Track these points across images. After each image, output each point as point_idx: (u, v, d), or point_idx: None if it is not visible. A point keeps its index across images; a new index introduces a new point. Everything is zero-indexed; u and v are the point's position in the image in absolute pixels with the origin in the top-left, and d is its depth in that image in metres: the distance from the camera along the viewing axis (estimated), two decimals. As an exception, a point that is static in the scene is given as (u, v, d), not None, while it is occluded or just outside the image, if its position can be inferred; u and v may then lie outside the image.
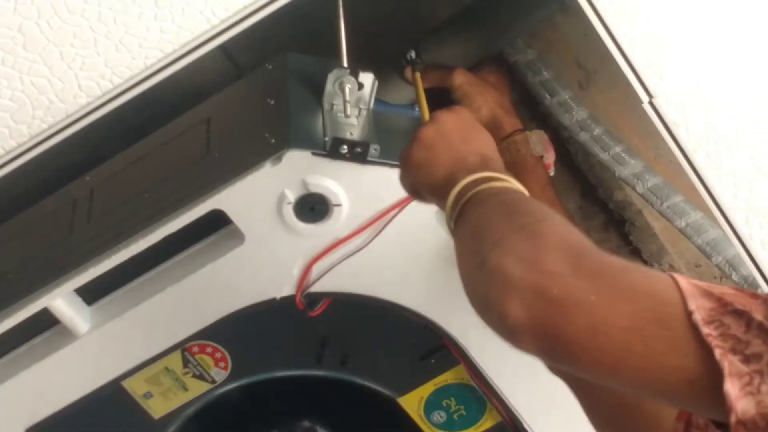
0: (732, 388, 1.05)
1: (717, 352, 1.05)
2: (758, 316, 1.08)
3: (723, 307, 1.09)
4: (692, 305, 1.08)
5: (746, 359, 1.06)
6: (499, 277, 1.14)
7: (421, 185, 1.47)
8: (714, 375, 1.06)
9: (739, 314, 1.08)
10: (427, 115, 1.67)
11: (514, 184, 1.37)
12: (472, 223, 1.31)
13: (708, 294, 1.10)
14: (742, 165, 1.80)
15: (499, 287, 1.14)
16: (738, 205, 1.82)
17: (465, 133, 1.48)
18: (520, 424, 1.91)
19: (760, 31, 1.73)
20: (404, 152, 1.48)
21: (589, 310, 1.10)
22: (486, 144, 1.48)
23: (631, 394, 1.26)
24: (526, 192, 1.37)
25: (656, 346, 1.09)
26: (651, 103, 1.74)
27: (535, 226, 1.20)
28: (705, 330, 1.06)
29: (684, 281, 1.10)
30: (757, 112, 1.78)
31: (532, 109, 1.97)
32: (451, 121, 1.50)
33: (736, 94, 1.77)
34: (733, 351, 1.06)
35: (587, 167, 2.07)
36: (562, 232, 1.20)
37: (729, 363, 1.05)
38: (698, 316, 1.07)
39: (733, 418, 1.05)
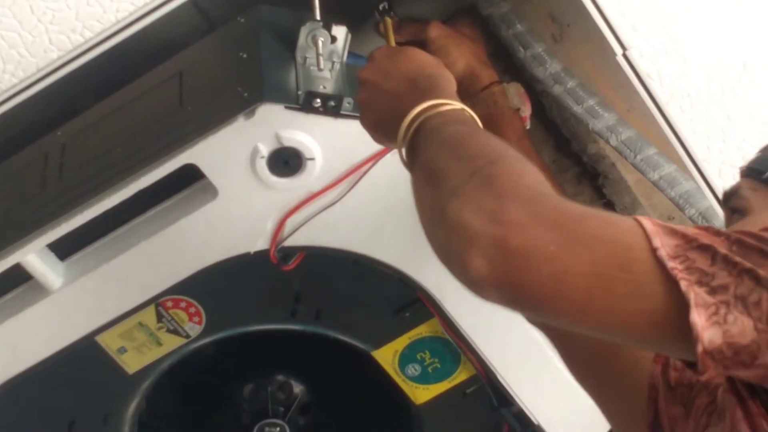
0: (698, 318, 1.06)
1: (683, 284, 1.07)
2: (723, 249, 1.09)
3: (688, 243, 1.10)
4: (657, 242, 1.09)
5: (712, 291, 1.08)
6: (460, 230, 1.15)
7: (372, 128, 1.48)
8: (680, 311, 1.07)
9: (704, 248, 1.10)
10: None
11: (457, 105, 1.37)
12: (423, 165, 1.31)
13: (673, 232, 1.11)
14: (716, 117, 1.82)
15: (460, 240, 1.14)
16: (711, 157, 1.83)
17: (397, 61, 1.48)
18: (494, 376, 1.92)
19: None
20: (355, 99, 1.50)
21: (550, 260, 1.11)
22: (422, 64, 1.48)
23: (599, 338, 1.28)
24: (471, 113, 1.37)
25: (618, 291, 1.10)
26: (624, 56, 1.75)
27: (489, 170, 1.20)
28: (670, 264, 1.08)
29: (648, 222, 1.11)
30: (730, 65, 1.79)
31: (506, 62, 1.97)
32: (379, 54, 1.50)
33: (710, 46, 1.78)
34: (699, 283, 1.08)
35: (561, 120, 2.08)
36: (516, 174, 1.19)
37: (695, 294, 1.07)
38: (663, 252, 1.08)
39: (699, 348, 1.07)
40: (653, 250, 1.09)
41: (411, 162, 1.36)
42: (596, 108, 1.87)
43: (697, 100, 1.80)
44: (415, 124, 1.35)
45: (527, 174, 1.19)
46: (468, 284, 1.16)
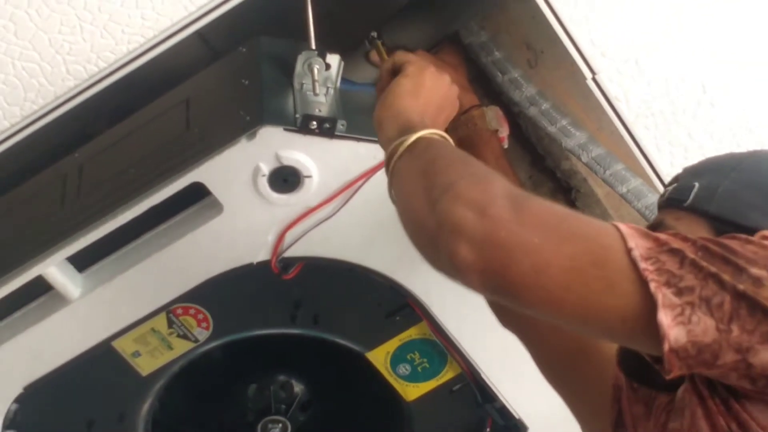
0: (665, 317, 1.07)
1: (652, 286, 1.08)
2: (691, 254, 1.10)
3: (660, 246, 1.11)
4: (632, 244, 1.10)
5: (679, 292, 1.08)
6: (450, 221, 1.16)
7: (387, 115, 1.48)
8: (649, 309, 1.08)
9: (675, 252, 1.10)
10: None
11: (445, 140, 1.39)
12: (422, 161, 1.32)
13: (646, 235, 1.12)
14: (677, 135, 1.82)
15: (449, 229, 1.15)
16: (674, 171, 1.82)
17: (440, 82, 1.51)
18: (479, 374, 1.93)
19: (692, 11, 1.74)
20: (379, 101, 1.51)
21: (533, 253, 1.12)
22: (449, 99, 1.51)
23: (568, 343, 1.28)
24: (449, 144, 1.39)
25: (593, 286, 1.11)
26: (594, 80, 1.75)
27: (483, 175, 1.22)
28: (642, 265, 1.08)
29: (624, 226, 1.12)
30: (691, 88, 1.80)
31: (485, 86, 1.97)
32: (435, 69, 1.53)
33: (672, 71, 1.78)
34: (667, 284, 1.08)
35: (536, 139, 2.09)
36: (503, 180, 1.21)
37: (663, 295, 1.08)
38: (637, 253, 1.09)
39: (666, 346, 1.08)
40: (628, 251, 1.10)
41: (392, 173, 1.38)
42: (568, 127, 1.87)
43: (660, 120, 1.81)
44: (408, 140, 1.36)
45: (505, 181, 1.21)
46: (453, 272, 1.17)
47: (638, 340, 1.14)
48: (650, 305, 1.08)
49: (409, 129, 1.38)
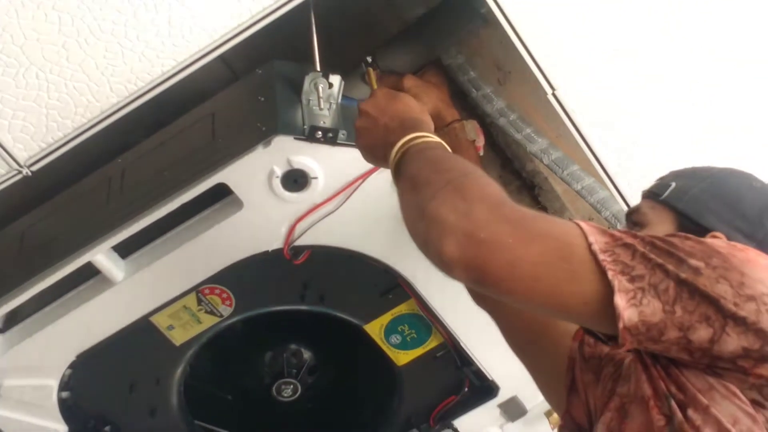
0: (620, 300, 1.09)
1: (609, 274, 1.10)
2: (641, 248, 1.12)
3: (615, 241, 1.13)
4: (591, 239, 1.12)
5: (632, 279, 1.10)
6: (437, 224, 1.17)
7: (365, 149, 1.48)
8: (607, 294, 1.10)
9: (627, 246, 1.12)
10: None
11: (435, 138, 1.38)
12: (408, 178, 1.31)
13: (604, 232, 1.13)
14: (625, 142, 1.82)
15: (436, 231, 1.16)
16: (622, 172, 1.84)
17: (394, 103, 1.48)
18: (458, 343, 1.93)
19: (636, 43, 1.74)
20: (355, 125, 1.50)
21: (508, 249, 1.13)
22: (410, 108, 1.47)
23: (542, 315, 1.29)
24: (444, 144, 1.38)
25: (560, 276, 1.12)
26: (554, 95, 1.75)
27: (460, 181, 1.22)
28: (601, 257, 1.10)
29: (585, 224, 1.14)
30: (635, 102, 1.80)
31: (462, 101, 1.97)
32: (381, 95, 1.50)
33: (620, 88, 1.79)
34: (622, 273, 1.10)
35: (505, 145, 2.08)
36: (482, 185, 1.21)
37: (618, 282, 1.10)
38: (596, 247, 1.11)
39: (621, 325, 1.10)
40: (588, 245, 1.12)
41: (396, 177, 1.36)
42: (532, 135, 1.87)
43: (610, 129, 1.81)
44: (402, 150, 1.36)
45: (491, 185, 1.22)
46: (441, 266, 1.17)
47: (597, 321, 1.15)
48: (608, 291, 1.10)
49: (393, 142, 1.38)
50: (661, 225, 1.35)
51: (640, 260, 1.12)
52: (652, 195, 1.41)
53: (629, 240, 1.14)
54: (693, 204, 1.34)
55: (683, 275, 1.11)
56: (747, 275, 1.11)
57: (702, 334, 1.11)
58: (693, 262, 1.11)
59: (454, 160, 1.32)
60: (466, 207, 1.17)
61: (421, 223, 1.21)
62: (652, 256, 1.12)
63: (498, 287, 1.16)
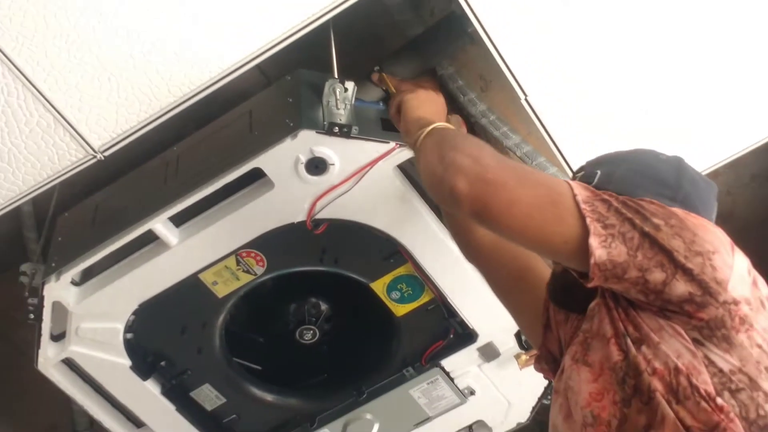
0: (594, 241, 1.11)
1: (588, 220, 1.12)
2: (615, 203, 1.14)
3: (595, 196, 1.15)
4: (577, 192, 1.15)
5: (605, 226, 1.12)
6: (453, 166, 1.19)
7: (403, 119, 1.52)
8: (584, 236, 1.12)
9: (604, 201, 1.15)
10: (394, 92, 1.73)
11: (454, 128, 1.42)
12: (434, 139, 1.34)
13: (587, 188, 1.16)
14: (583, 138, 1.82)
15: (452, 171, 1.18)
16: (581, 162, 1.83)
17: (437, 103, 1.55)
18: (445, 298, 1.93)
19: (599, 59, 1.73)
20: (403, 97, 1.55)
21: (509, 190, 1.16)
22: (443, 113, 1.54)
23: (532, 250, 1.30)
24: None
25: (548, 217, 1.15)
26: (526, 100, 1.75)
27: (475, 141, 1.27)
28: (582, 206, 1.13)
29: (574, 182, 1.17)
30: (599, 107, 1.80)
31: (452, 104, 1.95)
32: (432, 93, 1.57)
33: (583, 95, 1.78)
34: (598, 220, 1.12)
35: (485, 140, 2.06)
36: (488, 146, 1.25)
37: (594, 227, 1.12)
38: (579, 198, 1.14)
39: (592, 261, 1.12)
40: (574, 196, 1.14)
41: (423, 142, 1.38)
42: (508, 132, 1.87)
43: (570, 127, 1.81)
44: (434, 127, 1.39)
45: (494, 150, 1.25)
46: (451, 200, 1.19)
47: (574, 258, 1.16)
48: (585, 233, 1.12)
49: (426, 125, 1.40)
50: None
51: (614, 213, 1.14)
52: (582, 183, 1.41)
53: (606, 197, 1.16)
54: (621, 184, 1.32)
55: (647, 229, 1.12)
56: (698, 236, 1.13)
57: (657, 276, 1.12)
58: (655, 220, 1.13)
59: (472, 137, 1.36)
60: (478, 154, 1.19)
61: (440, 167, 1.22)
62: (624, 211, 1.14)
63: (497, 221, 1.17)
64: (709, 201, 1.34)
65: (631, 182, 1.32)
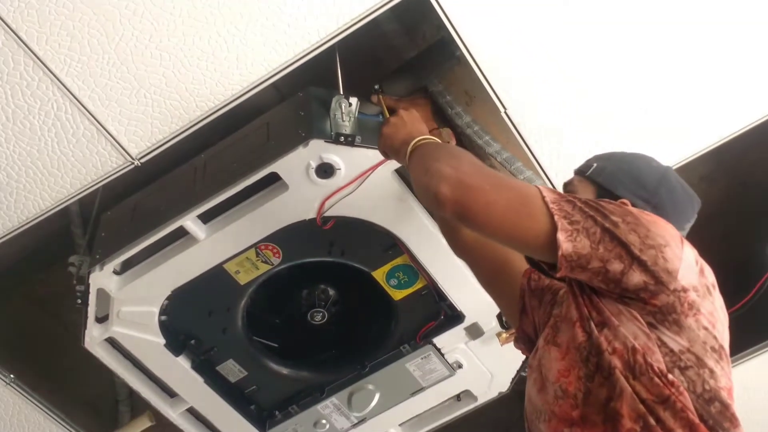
0: (561, 236, 1.12)
1: (555, 217, 1.12)
2: (579, 204, 1.15)
3: (561, 197, 1.16)
4: (545, 194, 1.15)
5: (570, 223, 1.13)
6: (437, 175, 1.19)
7: (387, 148, 1.49)
8: (552, 231, 1.13)
9: (570, 202, 1.15)
10: (387, 115, 1.69)
11: (436, 140, 1.40)
12: (420, 155, 1.33)
13: (554, 191, 1.17)
14: (555, 145, 1.83)
15: (436, 180, 1.18)
16: (553, 167, 1.85)
17: (410, 120, 1.49)
18: (436, 284, 1.93)
19: (564, 79, 1.74)
20: (381, 131, 1.51)
21: (485, 193, 1.16)
22: (420, 126, 1.49)
23: (507, 245, 1.31)
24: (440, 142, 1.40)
25: (521, 216, 1.15)
26: (505, 113, 1.76)
27: (454, 151, 1.27)
28: (551, 206, 1.13)
29: (542, 186, 1.17)
30: (562, 119, 1.80)
31: (441, 116, 1.96)
32: (406, 115, 1.51)
33: (551, 109, 1.78)
34: (564, 218, 1.13)
35: (470, 147, 2.07)
36: (469, 155, 1.26)
37: (561, 223, 1.12)
38: (548, 199, 1.14)
39: (560, 253, 1.12)
40: (543, 198, 1.15)
41: (410, 159, 1.38)
42: (490, 141, 1.88)
43: (544, 136, 1.81)
44: (416, 144, 1.38)
45: (474, 157, 1.25)
46: (437, 205, 1.20)
47: (543, 251, 1.16)
48: (553, 229, 1.13)
49: (410, 140, 1.40)
50: (585, 193, 1.37)
51: (578, 212, 1.14)
52: (580, 172, 1.43)
53: (571, 198, 1.17)
54: (608, 179, 1.35)
55: (607, 225, 1.13)
56: (651, 231, 1.14)
57: (616, 267, 1.12)
58: (614, 218, 1.14)
59: (453, 147, 1.38)
60: (458, 164, 1.20)
61: (426, 177, 1.22)
62: (586, 209, 1.15)
63: (476, 221, 1.17)
64: (685, 210, 1.35)
65: (616, 179, 1.34)
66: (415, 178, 1.30)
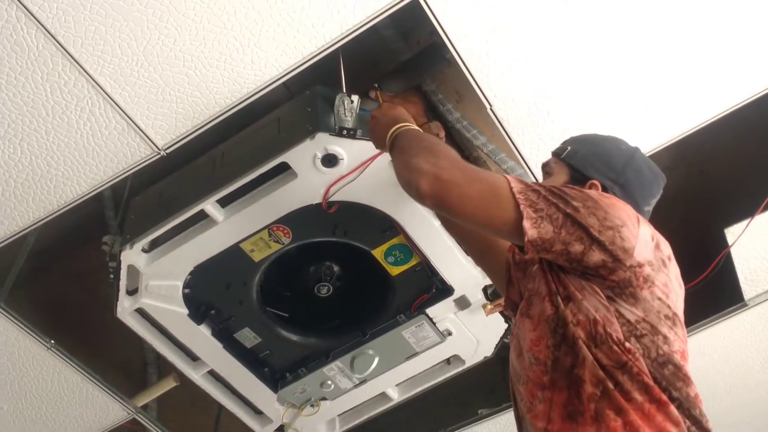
0: (527, 223, 1.12)
1: (521, 206, 1.12)
2: (544, 192, 1.14)
3: (527, 187, 1.15)
4: (513, 185, 1.14)
5: (535, 211, 1.13)
6: (416, 171, 1.19)
7: (374, 141, 1.50)
8: (519, 219, 1.13)
9: (534, 191, 1.15)
10: None
11: (415, 126, 1.39)
12: (399, 147, 1.33)
13: (520, 181, 1.16)
14: (533, 137, 1.83)
15: (416, 175, 1.18)
16: (533, 157, 1.86)
17: (392, 111, 1.48)
18: (428, 261, 1.92)
19: (545, 79, 1.74)
20: (370, 123, 1.51)
21: (459, 187, 1.16)
22: (401, 112, 1.47)
23: (482, 232, 1.31)
24: (420, 130, 1.39)
25: (491, 205, 1.15)
26: (491, 109, 1.76)
27: (431, 146, 1.24)
28: (518, 196, 1.13)
29: (510, 177, 1.16)
30: (540, 114, 1.80)
31: (433, 112, 1.96)
32: (385, 107, 1.51)
33: (532, 106, 1.78)
34: (530, 206, 1.13)
35: (459, 140, 2.07)
36: (445, 149, 1.24)
37: (527, 212, 1.12)
38: (515, 189, 1.14)
39: (526, 239, 1.12)
40: (511, 188, 1.14)
41: (391, 151, 1.37)
42: (477, 134, 1.88)
43: (524, 129, 1.82)
44: (395, 133, 1.37)
45: (450, 150, 1.24)
46: (417, 198, 1.20)
47: (513, 236, 1.17)
48: (520, 217, 1.13)
49: (388, 129, 1.40)
50: (560, 174, 1.37)
51: (542, 200, 1.14)
52: (555, 154, 1.42)
53: (536, 187, 1.16)
54: (580, 161, 1.35)
55: (568, 210, 1.13)
56: (609, 213, 1.14)
57: (577, 248, 1.13)
58: (575, 203, 1.14)
59: (427, 136, 1.34)
60: (435, 160, 1.19)
61: (406, 172, 1.22)
62: (550, 197, 1.15)
63: (452, 211, 1.18)
64: (650, 188, 1.35)
65: (587, 161, 1.34)
66: (397, 171, 1.30)
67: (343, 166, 1.71)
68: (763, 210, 2.02)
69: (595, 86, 1.76)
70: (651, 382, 1.09)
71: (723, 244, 2.09)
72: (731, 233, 2.07)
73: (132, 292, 1.92)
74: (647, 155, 1.84)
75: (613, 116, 1.80)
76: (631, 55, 1.72)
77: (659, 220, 1.36)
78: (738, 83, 1.77)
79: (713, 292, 2.08)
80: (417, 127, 1.40)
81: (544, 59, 1.71)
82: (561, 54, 1.70)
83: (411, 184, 1.20)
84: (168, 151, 1.72)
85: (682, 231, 1.91)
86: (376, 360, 2.09)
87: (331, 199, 1.75)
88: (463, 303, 2.04)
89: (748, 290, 2.16)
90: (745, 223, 2.04)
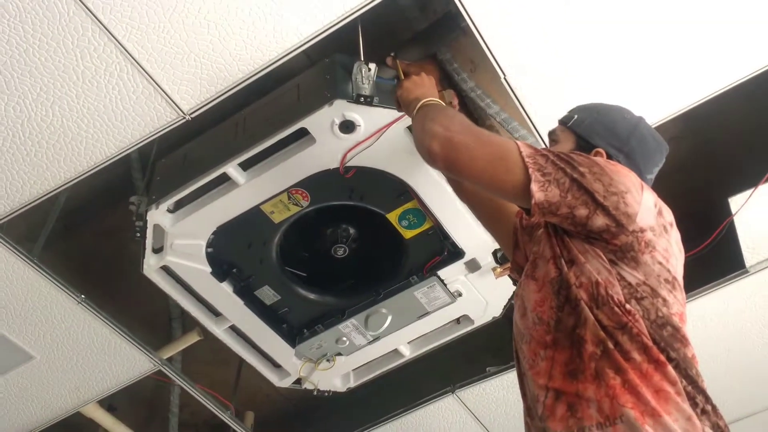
0: (534, 186, 1.12)
1: (530, 170, 1.13)
2: (552, 157, 1.15)
3: (536, 152, 1.16)
4: (522, 149, 1.15)
5: (543, 175, 1.13)
6: (430, 134, 1.20)
7: (402, 101, 1.51)
8: (527, 182, 1.13)
9: (543, 155, 1.15)
10: (402, 77, 1.68)
11: (441, 102, 1.40)
12: (423, 114, 1.33)
13: (529, 146, 1.16)
14: (546, 106, 1.82)
15: (429, 137, 1.20)
16: (545, 126, 1.85)
17: (427, 85, 1.50)
18: (440, 225, 1.93)
19: (556, 47, 1.73)
20: (402, 85, 1.53)
21: (470, 149, 1.17)
22: (432, 90, 1.49)
23: (490, 195, 1.32)
24: (444, 105, 1.41)
25: (500, 169, 1.16)
26: (505, 79, 1.75)
27: (448, 114, 1.27)
28: (527, 160, 1.13)
29: (520, 142, 1.16)
30: (553, 84, 1.79)
31: (448, 81, 1.96)
32: (421, 79, 1.53)
33: (545, 75, 1.77)
34: (538, 170, 1.13)
35: (473, 109, 2.07)
36: (460, 117, 1.25)
37: (534, 175, 1.13)
38: (524, 154, 1.14)
39: (533, 201, 1.13)
40: (520, 152, 1.15)
41: (416, 116, 1.38)
42: (490, 103, 1.88)
43: (536, 99, 1.81)
44: (424, 103, 1.38)
45: (465, 118, 1.25)
46: (429, 159, 1.21)
47: (520, 199, 1.17)
48: (528, 180, 1.13)
49: (415, 103, 1.40)
50: (567, 142, 1.36)
51: (550, 164, 1.15)
52: (562, 122, 1.42)
53: (545, 152, 1.17)
54: (586, 129, 1.35)
55: (575, 175, 1.14)
56: (614, 179, 1.14)
57: (582, 212, 1.14)
58: (581, 168, 1.14)
59: (449, 109, 1.35)
60: (449, 123, 1.21)
61: (421, 134, 1.25)
62: (558, 162, 1.15)
63: (462, 173, 1.19)
64: (654, 157, 1.34)
65: (593, 130, 1.33)
66: (415, 134, 1.32)
67: (360, 133, 1.71)
68: (767, 180, 2.02)
69: (606, 57, 1.75)
70: (650, 343, 1.10)
71: (726, 213, 2.09)
72: (735, 202, 2.07)
73: (158, 250, 1.94)
74: (656, 125, 1.86)
75: (623, 86, 1.80)
76: (642, 28, 1.71)
77: (665, 188, 1.36)
78: (745, 57, 1.76)
79: (716, 259, 2.10)
80: (441, 103, 1.41)
81: (557, 29, 1.70)
82: (574, 25, 1.69)
83: (424, 145, 1.22)
84: (193, 115, 1.73)
85: (687, 199, 1.91)
86: (389, 318, 2.11)
87: (348, 164, 1.76)
88: (473, 266, 2.05)
89: (749, 258, 2.17)
90: (748, 192, 2.04)
